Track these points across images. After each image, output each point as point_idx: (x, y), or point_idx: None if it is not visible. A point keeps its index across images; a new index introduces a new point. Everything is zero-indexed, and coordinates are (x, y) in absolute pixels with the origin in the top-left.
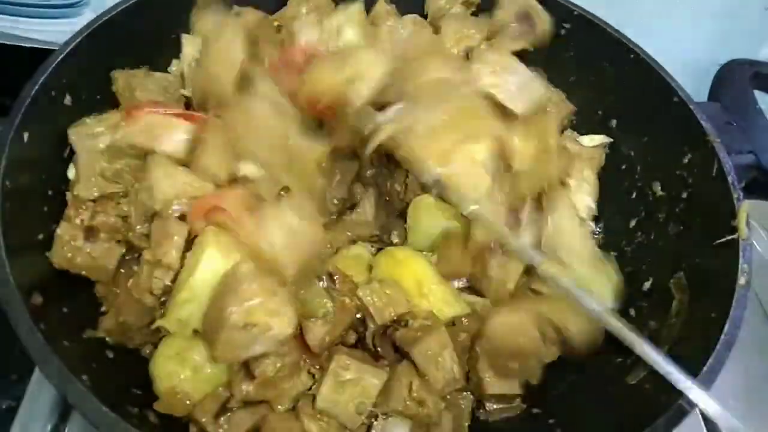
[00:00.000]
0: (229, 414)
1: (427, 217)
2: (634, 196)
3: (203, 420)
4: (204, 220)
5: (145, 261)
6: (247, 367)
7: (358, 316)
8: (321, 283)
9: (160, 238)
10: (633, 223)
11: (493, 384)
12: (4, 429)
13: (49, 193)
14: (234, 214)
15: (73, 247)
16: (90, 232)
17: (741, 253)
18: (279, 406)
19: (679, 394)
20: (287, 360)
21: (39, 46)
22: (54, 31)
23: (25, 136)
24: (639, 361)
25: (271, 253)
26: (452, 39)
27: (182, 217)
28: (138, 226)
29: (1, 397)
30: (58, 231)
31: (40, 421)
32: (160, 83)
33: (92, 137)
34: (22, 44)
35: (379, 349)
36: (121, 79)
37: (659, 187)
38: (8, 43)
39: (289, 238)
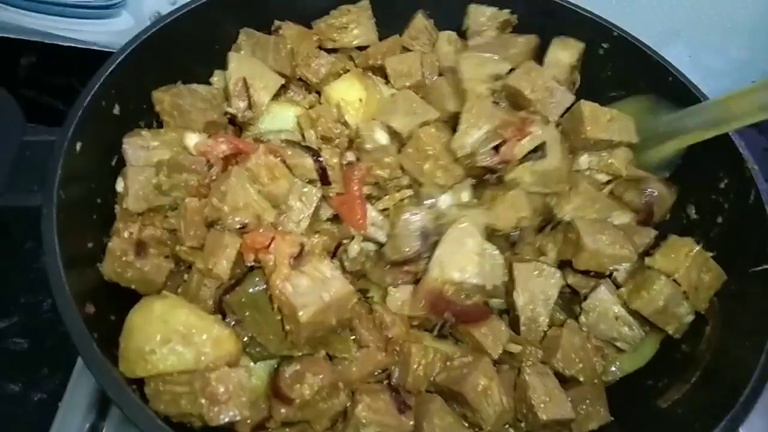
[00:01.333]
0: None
1: None
2: (668, 218)
3: None
4: (250, 252)
5: (196, 270)
6: (279, 391)
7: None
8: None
9: (214, 248)
10: None
11: (546, 409)
12: (38, 421)
13: (98, 202)
14: (276, 260)
15: (123, 262)
16: (140, 247)
17: None
18: (317, 426)
19: (716, 420)
20: (325, 381)
21: (77, 46)
22: (91, 32)
23: (78, 146)
24: (674, 384)
25: (291, 299)
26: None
27: (238, 232)
28: (187, 240)
29: (32, 391)
30: (110, 245)
31: (79, 417)
32: (206, 98)
33: (147, 150)
34: (61, 43)
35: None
36: (166, 100)
37: (693, 211)
38: (47, 41)
39: (316, 290)
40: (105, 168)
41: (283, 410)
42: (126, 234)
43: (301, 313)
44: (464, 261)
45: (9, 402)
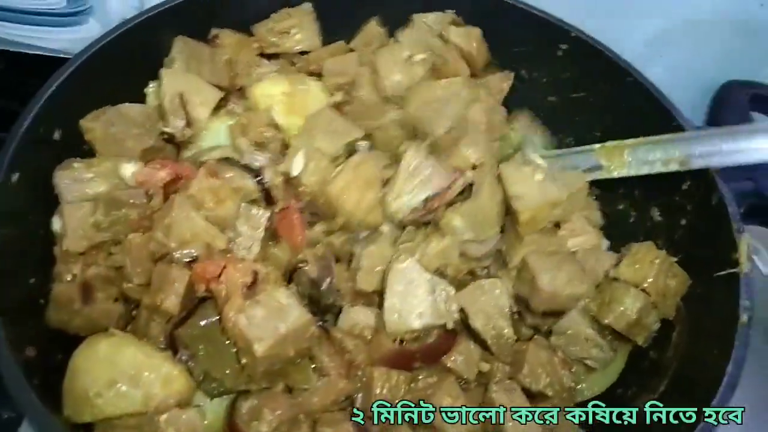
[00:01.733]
0: None
1: None
2: (632, 220)
3: None
4: (201, 282)
5: (144, 306)
6: (236, 428)
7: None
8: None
9: (162, 283)
10: None
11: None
12: None
13: (41, 233)
14: (229, 290)
15: (70, 310)
16: (87, 292)
17: (742, 289)
18: None
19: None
20: (284, 417)
21: (43, 54)
22: (58, 39)
23: (15, 178)
24: (642, 392)
25: (246, 332)
26: None
27: (187, 265)
28: (135, 277)
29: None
30: (53, 293)
31: None
32: (139, 122)
33: (81, 182)
34: (28, 51)
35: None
36: (97, 129)
37: (657, 213)
38: (12, 50)
39: (272, 321)
40: (45, 198)
41: None
42: (69, 276)
43: (256, 347)
44: (419, 304)
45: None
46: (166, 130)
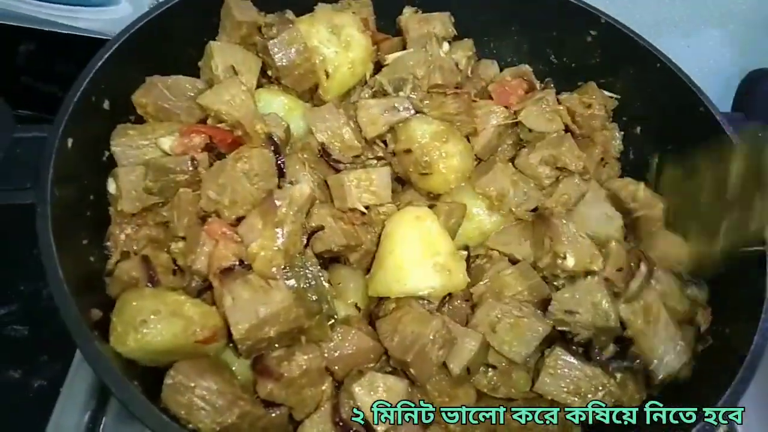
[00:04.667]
0: None
1: None
2: None
3: None
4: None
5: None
6: (267, 368)
7: None
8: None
9: (193, 244)
10: None
11: None
12: (38, 408)
13: (91, 198)
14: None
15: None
16: (149, 271)
17: None
18: (299, 414)
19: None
20: (313, 363)
21: (76, 33)
22: (90, 19)
23: (69, 143)
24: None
25: (228, 312)
26: None
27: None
28: (180, 230)
29: (32, 378)
30: (116, 271)
31: (79, 406)
32: (189, 94)
33: (136, 149)
34: (59, 30)
35: None
36: (149, 104)
37: None
38: (45, 29)
39: (254, 303)
40: (96, 164)
41: (269, 386)
42: (122, 236)
43: (233, 330)
44: None
45: (9, 389)
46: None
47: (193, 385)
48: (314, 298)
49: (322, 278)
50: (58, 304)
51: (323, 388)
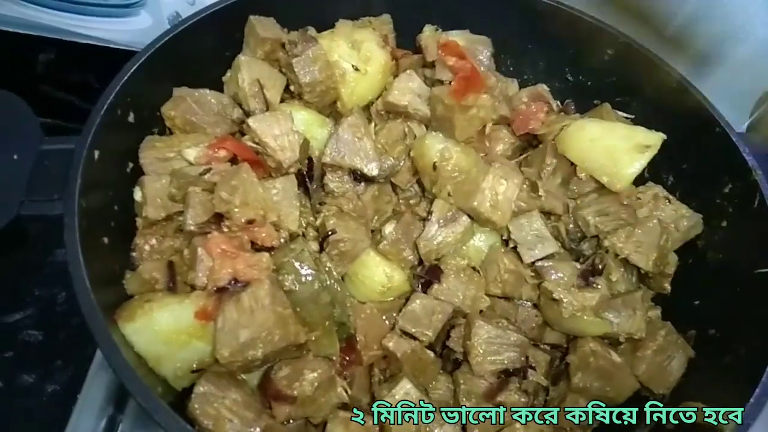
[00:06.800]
0: None
1: None
2: None
3: None
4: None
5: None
6: (279, 392)
7: None
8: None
9: (192, 261)
10: None
11: None
12: (52, 413)
13: (116, 209)
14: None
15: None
16: (171, 275)
17: None
18: (318, 418)
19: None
20: (323, 376)
21: (95, 44)
22: (110, 30)
23: (96, 154)
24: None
25: (216, 333)
26: None
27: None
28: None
29: (46, 382)
30: (139, 267)
31: (96, 413)
32: (215, 109)
33: (163, 161)
34: (79, 41)
35: None
36: (177, 117)
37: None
38: (65, 39)
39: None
40: (121, 175)
41: (287, 410)
42: (147, 247)
43: (217, 354)
44: None
45: (24, 393)
46: (235, 118)
47: (222, 395)
48: (327, 300)
49: (335, 282)
50: (85, 313)
51: (338, 390)
